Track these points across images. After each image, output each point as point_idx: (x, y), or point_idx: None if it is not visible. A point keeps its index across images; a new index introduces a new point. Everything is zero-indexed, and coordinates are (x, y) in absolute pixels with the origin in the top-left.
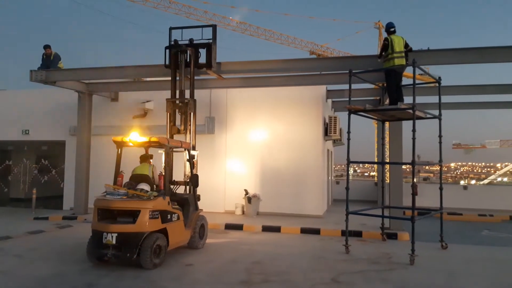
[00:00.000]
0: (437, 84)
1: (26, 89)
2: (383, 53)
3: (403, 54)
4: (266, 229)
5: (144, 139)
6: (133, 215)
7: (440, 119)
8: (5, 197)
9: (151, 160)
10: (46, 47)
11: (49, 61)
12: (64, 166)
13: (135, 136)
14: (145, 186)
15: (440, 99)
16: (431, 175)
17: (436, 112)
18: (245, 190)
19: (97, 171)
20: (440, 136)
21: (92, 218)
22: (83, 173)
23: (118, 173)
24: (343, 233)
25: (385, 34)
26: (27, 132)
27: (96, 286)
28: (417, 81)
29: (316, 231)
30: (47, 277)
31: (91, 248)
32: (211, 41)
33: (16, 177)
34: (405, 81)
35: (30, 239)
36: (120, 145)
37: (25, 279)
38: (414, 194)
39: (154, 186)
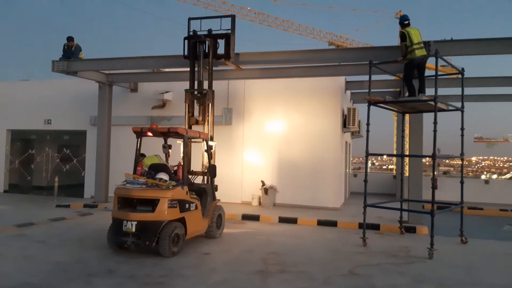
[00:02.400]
0: (460, 76)
1: (48, 80)
2: (405, 46)
3: (422, 45)
4: (282, 220)
5: (163, 129)
6: (152, 204)
7: (462, 112)
8: (28, 185)
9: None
10: (70, 39)
11: (70, 52)
12: (85, 155)
13: (154, 126)
14: (164, 176)
15: (463, 91)
16: (452, 169)
17: (458, 104)
18: (262, 182)
19: (117, 160)
20: (462, 129)
21: (112, 206)
22: (103, 162)
23: (137, 163)
24: (361, 225)
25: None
26: (49, 121)
27: (116, 272)
28: (439, 72)
29: (333, 223)
30: (69, 262)
31: (111, 235)
32: (229, 31)
33: (39, 166)
34: (427, 72)
35: (52, 226)
36: (139, 135)
37: (48, 264)
38: (434, 187)
39: (173, 175)
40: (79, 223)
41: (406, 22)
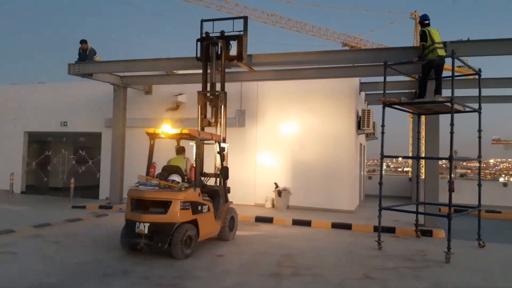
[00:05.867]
0: (477, 76)
1: (64, 82)
2: (423, 46)
3: (442, 45)
4: (296, 222)
5: (176, 131)
6: (164, 205)
7: (479, 113)
8: (45, 186)
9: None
10: (83, 42)
11: (85, 55)
12: (100, 157)
13: (167, 128)
14: (176, 178)
15: (480, 92)
16: (469, 171)
17: (475, 106)
18: (275, 184)
19: (132, 162)
20: (479, 131)
21: (125, 208)
22: (118, 164)
23: (150, 164)
24: (376, 228)
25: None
26: (65, 124)
27: (131, 273)
28: (455, 73)
29: (348, 226)
30: (85, 262)
31: (124, 237)
32: (242, 33)
33: (55, 167)
34: (443, 73)
35: (68, 227)
36: (152, 136)
37: (64, 264)
38: (451, 190)
39: (186, 177)
40: (95, 224)
41: (427, 21)
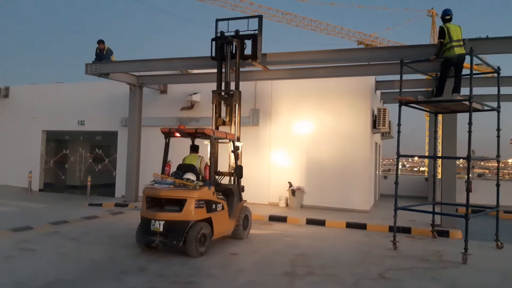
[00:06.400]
0: (495, 74)
1: (82, 82)
2: (441, 43)
3: (462, 43)
4: (310, 222)
5: (191, 130)
6: (179, 203)
7: (498, 112)
8: (62, 184)
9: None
10: (100, 42)
11: (102, 55)
12: (116, 155)
13: (182, 127)
14: (191, 176)
15: (499, 90)
16: (487, 171)
17: (494, 104)
18: (289, 183)
19: (147, 161)
20: (498, 130)
21: (141, 206)
22: (134, 162)
23: (165, 163)
24: (391, 228)
25: (440, 23)
26: (82, 123)
27: (147, 270)
28: (474, 71)
29: (362, 226)
30: (101, 259)
31: (139, 234)
32: (256, 32)
33: (72, 166)
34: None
35: (85, 224)
36: (167, 135)
37: (81, 261)
38: (468, 190)
39: (200, 176)
40: (111, 222)
41: (448, 17)
